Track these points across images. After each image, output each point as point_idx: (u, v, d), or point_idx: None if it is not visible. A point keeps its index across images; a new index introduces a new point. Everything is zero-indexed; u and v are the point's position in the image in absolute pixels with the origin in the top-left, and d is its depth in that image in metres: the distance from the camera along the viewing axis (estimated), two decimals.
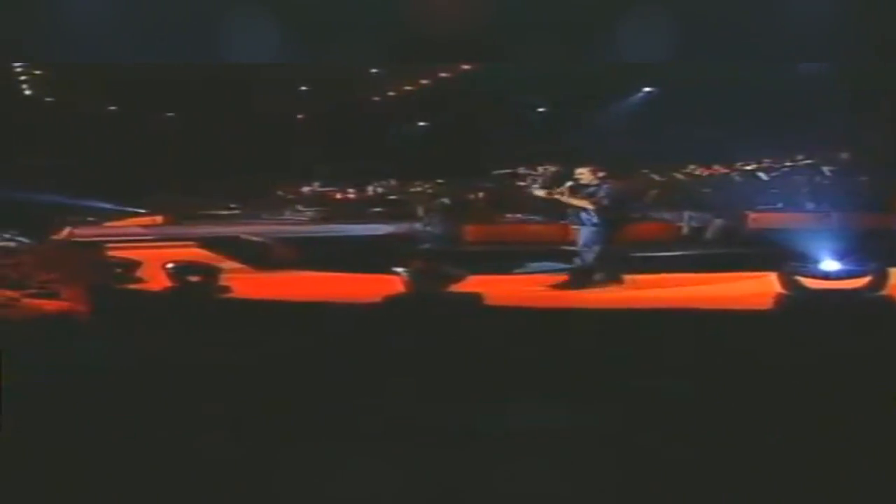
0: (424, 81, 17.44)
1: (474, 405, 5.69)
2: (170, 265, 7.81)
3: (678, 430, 5.27)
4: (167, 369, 6.06)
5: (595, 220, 9.14)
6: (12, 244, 12.17)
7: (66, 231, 12.70)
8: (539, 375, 6.04)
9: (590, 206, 9.15)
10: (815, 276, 7.05)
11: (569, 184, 9.60)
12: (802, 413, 5.26)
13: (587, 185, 9.38)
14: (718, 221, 13.32)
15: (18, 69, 15.29)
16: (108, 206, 15.46)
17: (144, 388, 5.73)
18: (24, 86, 15.86)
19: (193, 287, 7.65)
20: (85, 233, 12.63)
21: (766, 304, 6.56)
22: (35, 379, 5.55)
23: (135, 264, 9.50)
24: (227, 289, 7.76)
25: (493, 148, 16.64)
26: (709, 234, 13.30)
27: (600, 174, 9.49)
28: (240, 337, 6.47)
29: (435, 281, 7.07)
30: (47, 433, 5.04)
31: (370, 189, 16.83)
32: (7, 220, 13.33)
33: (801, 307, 6.59)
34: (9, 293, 9.02)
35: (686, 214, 13.89)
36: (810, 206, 13.89)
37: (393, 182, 16.88)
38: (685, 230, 13.71)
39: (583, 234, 9.22)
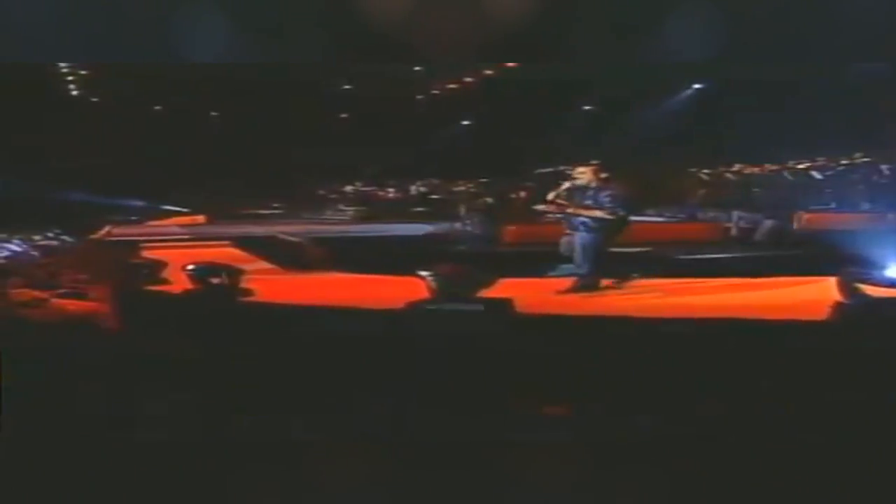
0: (469, 79, 16.96)
1: (507, 419, 5.16)
2: (190, 267, 7.31)
3: (724, 456, 4.65)
4: (172, 374, 5.61)
5: (598, 225, 8.27)
6: (55, 243, 11.92)
7: (103, 230, 12.35)
8: (570, 390, 5.43)
9: (592, 211, 8.27)
10: (878, 283, 6.30)
11: (566, 185, 8.65)
12: (865, 440, 4.59)
13: (588, 188, 8.44)
14: (769, 222, 12.55)
15: (64, 69, 15.06)
16: (152, 205, 15.23)
17: (148, 392, 5.27)
18: (70, 86, 15.64)
19: (213, 290, 7.13)
20: (123, 232, 12.29)
21: (823, 313, 5.83)
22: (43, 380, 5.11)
23: (163, 265, 9.07)
24: (248, 292, 7.23)
25: (537, 147, 16.09)
26: (758, 236, 12.54)
27: (602, 175, 8.54)
28: (254, 343, 5.95)
29: (462, 286, 6.44)
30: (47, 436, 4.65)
31: (412, 188, 16.36)
32: (51, 218, 13.11)
33: (865, 317, 5.83)
34: (37, 293, 8.65)
35: (735, 214, 13.15)
36: (867, 206, 13.05)
37: (435, 181, 16.37)
38: (734, 231, 12.97)
39: (587, 240, 8.33)
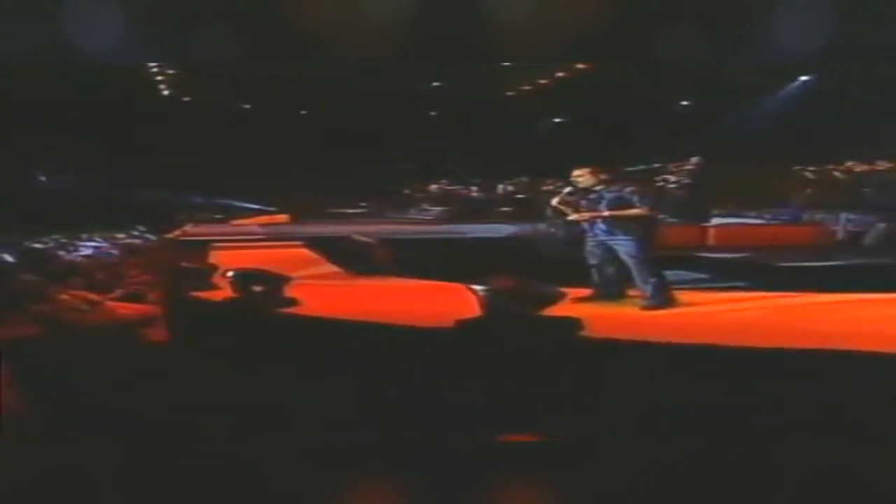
0: (560, 74, 15.83)
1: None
2: (230, 273, 6.50)
3: None
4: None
5: (633, 227, 6.90)
6: (128, 242, 11.45)
7: (177, 230, 11.72)
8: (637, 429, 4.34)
9: (624, 212, 6.92)
10: None
11: (567, 190, 7.27)
12: None
13: (605, 189, 7.07)
14: (882, 225, 11.01)
15: (153, 69, 14.60)
16: (237, 203, 14.73)
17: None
18: (160, 86, 15.19)
19: (252, 298, 6.29)
20: (197, 231, 11.63)
21: None
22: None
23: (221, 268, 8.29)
24: (288, 301, 6.36)
25: (629, 144, 14.87)
26: (869, 239, 11.02)
27: (603, 176, 7.16)
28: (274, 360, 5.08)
29: (521, 302, 5.38)
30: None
31: (500, 187, 15.28)
32: (136, 216, 12.72)
33: None
34: (93, 296, 8.00)
35: (843, 216, 11.64)
36: None
37: (523, 179, 15.22)
38: (841, 234, 11.46)
39: (631, 248, 6.97)
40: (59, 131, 13.29)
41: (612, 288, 7.08)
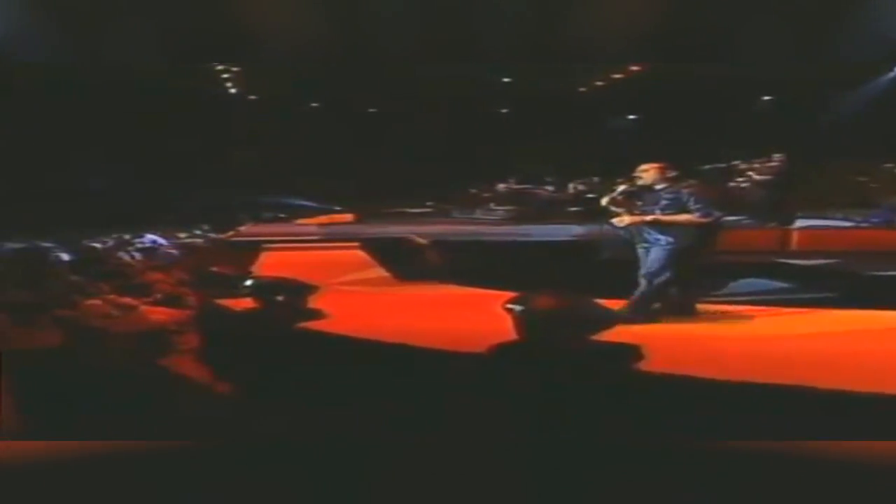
0: (635, 68, 14.76)
1: None
2: (248, 282, 5.75)
3: None
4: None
5: (684, 233, 5.94)
6: (199, 241, 10.90)
7: (230, 231, 11.08)
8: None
9: (678, 217, 5.88)
10: None
11: (619, 189, 6.31)
12: None
13: (662, 190, 6.10)
14: None
15: (219, 69, 14.09)
16: (302, 203, 14.18)
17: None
18: (227, 84, 14.68)
19: (273, 309, 5.52)
20: (250, 232, 10.98)
21: None
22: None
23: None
24: (313, 313, 5.56)
25: (704, 142, 13.78)
26: None
27: (669, 174, 6.09)
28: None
29: (563, 325, 4.42)
30: None
31: (570, 187, 14.24)
32: (198, 216, 12.22)
33: None
34: (127, 299, 7.39)
35: None
36: None
37: (595, 179, 14.14)
38: None
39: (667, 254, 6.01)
40: (119, 130, 12.92)
41: (672, 302, 6.09)
